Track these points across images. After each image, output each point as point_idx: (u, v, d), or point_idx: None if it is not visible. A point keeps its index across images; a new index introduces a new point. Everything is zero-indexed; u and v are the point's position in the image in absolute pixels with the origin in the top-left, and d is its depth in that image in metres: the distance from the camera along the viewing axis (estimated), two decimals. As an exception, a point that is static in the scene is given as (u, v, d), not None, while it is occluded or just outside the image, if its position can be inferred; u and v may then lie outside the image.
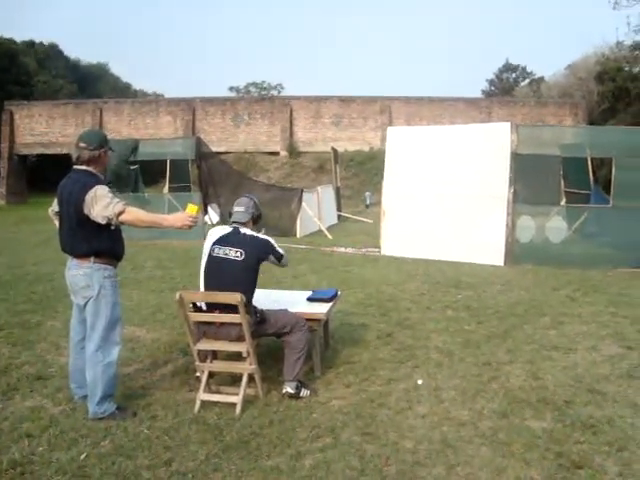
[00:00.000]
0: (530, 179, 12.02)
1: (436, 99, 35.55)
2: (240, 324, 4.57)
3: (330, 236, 17.07)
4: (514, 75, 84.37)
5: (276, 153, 35.67)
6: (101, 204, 4.20)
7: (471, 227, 12.05)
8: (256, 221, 5.17)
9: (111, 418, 4.41)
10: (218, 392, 4.92)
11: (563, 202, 15.62)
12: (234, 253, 4.78)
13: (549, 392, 5.02)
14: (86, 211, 4.24)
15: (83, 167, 4.43)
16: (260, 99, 41.69)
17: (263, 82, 65.79)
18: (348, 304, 8.15)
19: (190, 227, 4.46)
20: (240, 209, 5.08)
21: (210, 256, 4.87)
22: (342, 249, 14.04)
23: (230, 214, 5.10)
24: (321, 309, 5.44)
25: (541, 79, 75.17)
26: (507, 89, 77.33)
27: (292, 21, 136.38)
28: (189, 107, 36.29)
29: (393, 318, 7.53)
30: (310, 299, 5.75)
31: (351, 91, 68.26)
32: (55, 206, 4.58)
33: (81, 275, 4.43)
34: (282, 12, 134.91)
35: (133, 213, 4.33)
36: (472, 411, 4.64)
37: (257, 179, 27.93)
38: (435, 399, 4.88)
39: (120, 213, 4.22)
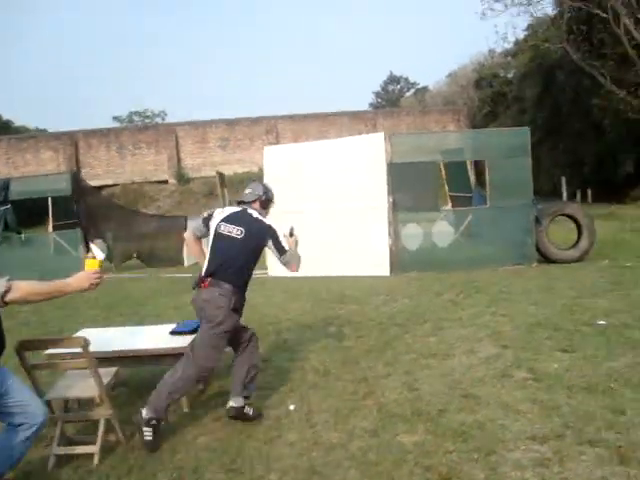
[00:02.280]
0: (409, 187, 12.11)
1: (321, 115, 35.87)
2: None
3: (219, 261, 16.76)
4: (399, 86, 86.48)
5: (165, 181, 35.09)
6: None
7: (356, 240, 12.03)
8: (264, 204, 5.17)
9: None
10: (76, 443, 4.58)
11: (449, 206, 15.95)
12: (236, 231, 4.83)
13: (424, 402, 4.93)
14: None
15: None
16: (144, 128, 40.84)
17: (146, 110, 64.52)
18: (228, 331, 7.92)
19: (97, 285, 3.85)
20: (248, 190, 5.16)
21: (216, 232, 4.89)
22: (229, 274, 13.75)
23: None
24: (183, 342, 5.17)
25: (425, 88, 77.52)
26: (394, 100, 79.16)
27: (170, 46, 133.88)
28: (71, 141, 35.23)
29: (272, 342, 7.33)
30: (173, 332, 5.47)
31: (237, 113, 67.46)
32: None
33: None
34: (159, 38, 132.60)
35: (24, 288, 3.49)
36: (343, 432, 4.48)
37: (145, 210, 27.32)
38: (306, 424, 4.69)
39: (6, 292, 3.38)
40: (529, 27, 39.00)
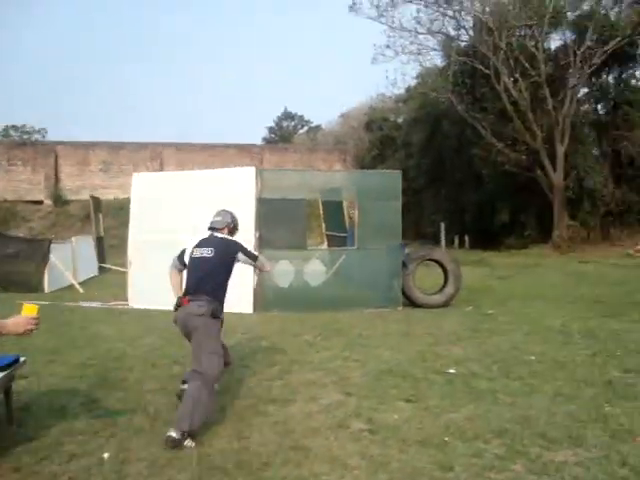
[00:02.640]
0: (277, 223, 11.87)
1: (208, 146, 35.44)
2: None
3: (81, 290, 15.97)
4: (293, 123, 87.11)
5: (39, 202, 33.59)
6: None
7: (222, 274, 11.68)
8: (232, 232, 5.95)
9: None
10: None
11: (325, 245, 15.84)
12: (207, 252, 5.54)
13: (250, 453, 4.62)
14: None
15: None
16: (21, 144, 39.02)
17: (24, 125, 61.35)
18: (66, 367, 7.37)
19: (32, 332, 3.90)
20: (217, 218, 5.90)
21: (190, 257, 5.63)
22: (87, 304, 13.10)
23: None
24: (-13, 380, 4.66)
25: (318, 127, 78.25)
26: (287, 136, 79.49)
27: (56, 63, 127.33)
28: (-63, 151, 33.28)
29: (110, 380, 6.83)
30: (-19, 368, 4.95)
31: (121, 137, 64.06)
32: None
33: None
34: (42, 54, 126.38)
35: None
36: (155, 485, 4.11)
37: (17, 230, 26.03)
38: (116, 475, 4.26)
39: None
40: (419, 76, 40.13)
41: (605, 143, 32.23)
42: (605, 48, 28.10)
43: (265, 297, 11.76)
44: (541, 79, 28.57)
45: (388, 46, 31.32)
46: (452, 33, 32.24)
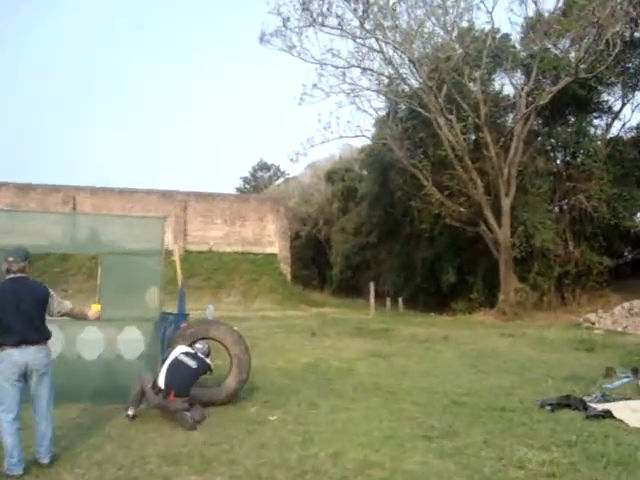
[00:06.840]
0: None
1: (126, 191, 32.16)
2: None
3: None
4: (269, 174, 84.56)
5: None
6: None
7: None
8: None
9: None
10: None
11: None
12: None
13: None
14: None
15: None
16: None
17: None
18: None
19: None
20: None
21: None
22: None
23: None
24: None
25: (294, 178, 75.51)
26: (261, 187, 76.96)
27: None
28: None
29: None
30: None
31: (30, 178, 57.41)
32: None
33: None
34: None
35: None
36: None
37: None
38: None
39: None
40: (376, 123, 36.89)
41: (559, 196, 28.94)
42: (553, 88, 24.92)
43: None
44: (480, 122, 25.33)
45: (315, 85, 27.97)
46: (381, 70, 28.36)
